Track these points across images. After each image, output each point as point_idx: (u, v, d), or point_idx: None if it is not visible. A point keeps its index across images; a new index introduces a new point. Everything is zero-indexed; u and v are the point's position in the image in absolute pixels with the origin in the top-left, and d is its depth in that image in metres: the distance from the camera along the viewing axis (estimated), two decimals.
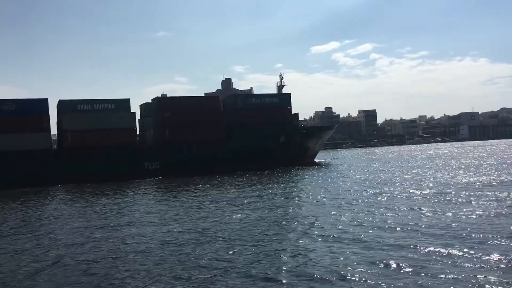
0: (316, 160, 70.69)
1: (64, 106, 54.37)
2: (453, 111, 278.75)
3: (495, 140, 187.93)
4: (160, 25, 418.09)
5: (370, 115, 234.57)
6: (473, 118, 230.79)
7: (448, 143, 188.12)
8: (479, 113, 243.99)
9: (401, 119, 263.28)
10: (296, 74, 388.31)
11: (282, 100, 64.36)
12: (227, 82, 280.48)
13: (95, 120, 53.63)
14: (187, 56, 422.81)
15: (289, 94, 64.70)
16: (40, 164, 50.12)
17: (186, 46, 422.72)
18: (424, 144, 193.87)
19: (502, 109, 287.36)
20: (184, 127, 56.81)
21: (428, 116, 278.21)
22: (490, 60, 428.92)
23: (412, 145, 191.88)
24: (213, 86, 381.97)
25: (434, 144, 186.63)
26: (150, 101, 61.69)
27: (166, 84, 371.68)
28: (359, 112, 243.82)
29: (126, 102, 58.50)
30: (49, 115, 53.05)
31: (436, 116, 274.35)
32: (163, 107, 58.02)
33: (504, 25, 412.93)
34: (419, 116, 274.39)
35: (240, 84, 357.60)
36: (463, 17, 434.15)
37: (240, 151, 57.65)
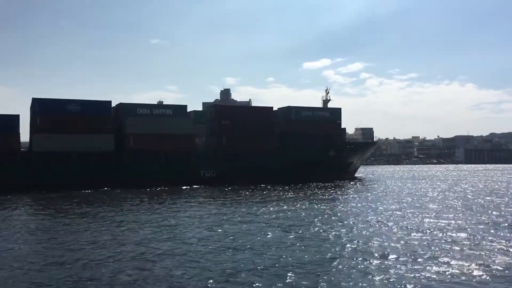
0: (357, 175, 71.18)
1: (125, 109, 53.77)
2: (441, 134, 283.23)
3: (493, 165, 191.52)
4: (155, 32, 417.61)
5: (367, 133, 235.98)
6: (468, 142, 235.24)
7: (449, 165, 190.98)
8: (473, 136, 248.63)
9: (394, 138, 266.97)
10: (286, 89, 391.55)
11: (332, 114, 64.74)
12: (225, 93, 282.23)
13: (156, 125, 53.07)
14: (179, 65, 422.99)
15: (340, 108, 65.21)
16: (102, 166, 49.47)
17: (178, 55, 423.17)
18: (423, 165, 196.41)
19: (492, 134, 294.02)
20: (240, 136, 56.64)
21: (421, 137, 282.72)
22: (477, 86, 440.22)
23: (410, 165, 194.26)
24: (205, 96, 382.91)
25: (434, 166, 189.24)
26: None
27: (157, 92, 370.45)
28: (356, 129, 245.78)
29: (184, 108, 58.15)
30: (111, 117, 52.47)
31: (428, 138, 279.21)
32: (220, 115, 57.88)
33: (492, 52, 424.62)
34: (412, 136, 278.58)
35: (232, 96, 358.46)
36: (452, 41, 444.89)
37: (292, 163, 57.59)
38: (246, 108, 59.63)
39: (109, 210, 28.67)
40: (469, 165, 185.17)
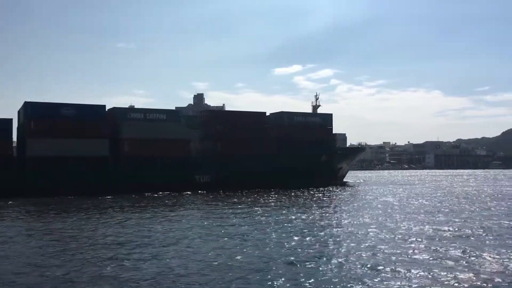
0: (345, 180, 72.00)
1: (119, 113, 52.90)
2: (411, 140, 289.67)
3: (462, 170, 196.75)
4: (121, 36, 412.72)
5: (340, 138, 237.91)
6: (437, 147, 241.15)
7: (421, 171, 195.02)
8: (443, 142, 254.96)
9: (366, 144, 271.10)
10: (256, 95, 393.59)
11: (324, 119, 65.35)
12: (199, 98, 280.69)
13: (151, 130, 52.33)
14: (146, 70, 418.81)
15: (331, 114, 65.91)
16: (97, 171, 48.45)
17: (146, 59, 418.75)
18: (396, 170, 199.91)
19: (459, 140, 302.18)
20: (235, 141, 56.46)
21: (392, 142, 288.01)
22: (443, 93, 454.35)
23: (384, 171, 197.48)
24: (175, 100, 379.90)
25: (407, 171, 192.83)
26: None
27: (125, 96, 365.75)
28: None
29: (177, 113, 57.73)
30: (107, 121, 51.35)
31: (399, 143, 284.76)
32: (215, 120, 57.57)
33: (456, 60, 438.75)
34: (383, 142, 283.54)
35: (205, 101, 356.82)
36: (418, 49, 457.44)
37: (285, 168, 57.69)
38: (240, 113, 59.46)
39: (88, 219, 26.87)
40: (441, 171, 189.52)
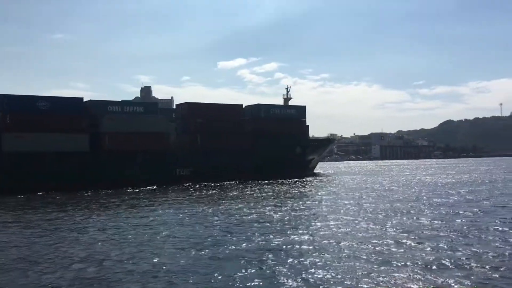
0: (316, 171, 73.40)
1: (97, 106, 50.95)
2: (356, 132, 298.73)
3: (407, 160, 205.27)
4: (58, 26, 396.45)
5: None
6: (382, 138, 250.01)
7: (368, 161, 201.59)
8: (387, 133, 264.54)
9: (313, 136, 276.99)
10: (202, 88, 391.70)
11: (298, 112, 66.23)
12: (146, 91, 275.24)
13: (131, 123, 50.94)
14: (86, 62, 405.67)
15: (305, 106, 66.88)
16: (78, 167, 46.58)
17: (85, 51, 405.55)
18: (344, 162, 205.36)
19: (400, 132, 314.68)
20: (214, 134, 56.20)
21: (338, 134, 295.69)
22: (382, 86, 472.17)
23: (332, 162, 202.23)
24: (116, 94, 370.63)
25: (358, 162, 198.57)
26: None
27: (63, 90, 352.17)
28: None
29: (155, 106, 56.62)
30: (86, 114, 49.35)
31: (344, 135, 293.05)
32: (194, 113, 56.80)
33: (394, 55, 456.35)
34: (330, 134, 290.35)
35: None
36: (359, 44, 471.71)
37: (263, 160, 58.07)
38: (218, 106, 59.06)
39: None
40: (387, 161, 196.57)
